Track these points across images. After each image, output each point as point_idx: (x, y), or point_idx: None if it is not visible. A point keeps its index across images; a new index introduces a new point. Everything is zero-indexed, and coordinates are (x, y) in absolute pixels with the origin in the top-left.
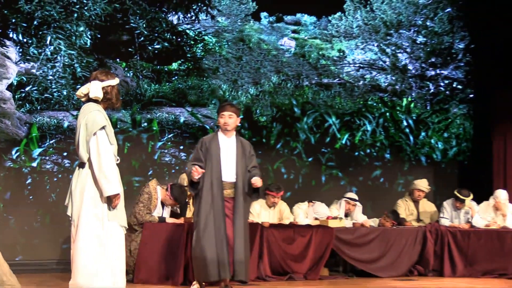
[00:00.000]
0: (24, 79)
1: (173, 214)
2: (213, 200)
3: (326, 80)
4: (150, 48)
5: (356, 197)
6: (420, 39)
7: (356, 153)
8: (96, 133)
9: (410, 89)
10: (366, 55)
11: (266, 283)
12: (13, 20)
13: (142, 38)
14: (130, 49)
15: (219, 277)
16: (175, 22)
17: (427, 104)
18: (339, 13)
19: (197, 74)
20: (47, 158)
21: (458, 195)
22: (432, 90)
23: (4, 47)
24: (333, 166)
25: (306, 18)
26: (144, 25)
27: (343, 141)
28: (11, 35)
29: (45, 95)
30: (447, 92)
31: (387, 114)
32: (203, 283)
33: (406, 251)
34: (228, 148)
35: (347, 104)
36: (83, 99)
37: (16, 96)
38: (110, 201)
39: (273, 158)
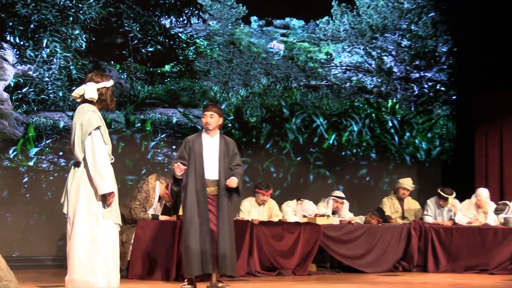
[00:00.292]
0: (21, 80)
1: (165, 211)
2: (197, 197)
3: (314, 82)
4: (143, 50)
5: (343, 195)
6: (405, 42)
7: (343, 153)
8: (91, 133)
9: (395, 91)
10: (353, 58)
11: (256, 279)
12: (10, 24)
13: (135, 41)
14: (124, 52)
15: (202, 271)
16: (167, 25)
17: (412, 105)
18: (326, 17)
19: (189, 76)
20: (43, 157)
21: (442, 193)
22: (416, 92)
23: (2, 50)
24: (321, 165)
25: (295, 22)
26: (138, 29)
27: (331, 141)
28: (8, 38)
29: (42, 96)
30: (431, 94)
31: (373, 115)
32: (193, 278)
33: (391, 248)
34: (211, 147)
35: (334, 105)
36: (78, 100)
37: (13, 97)
38: (104, 199)
39: (263, 157)
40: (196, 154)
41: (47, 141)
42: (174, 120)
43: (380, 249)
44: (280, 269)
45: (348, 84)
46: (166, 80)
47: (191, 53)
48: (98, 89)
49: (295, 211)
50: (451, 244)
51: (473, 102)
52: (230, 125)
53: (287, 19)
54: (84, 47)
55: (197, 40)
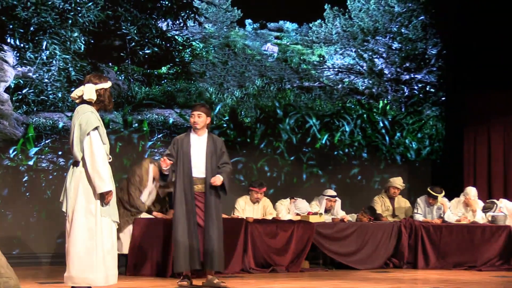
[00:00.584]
0: (21, 82)
1: (161, 206)
2: (185, 195)
3: (307, 83)
4: (140, 53)
5: (334, 193)
6: (396, 45)
7: (335, 153)
8: (90, 133)
9: (386, 92)
10: (345, 60)
11: (250, 275)
12: (11, 26)
13: (133, 44)
14: (121, 54)
15: (189, 267)
16: (164, 28)
17: (402, 106)
18: (319, 21)
19: (185, 78)
20: (43, 157)
21: (431, 192)
22: (406, 93)
23: (2, 52)
24: (314, 165)
25: (288, 25)
26: (135, 31)
27: (323, 141)
28: (8, 40)
29: (41, 97)
30: (421, 95)
31: (364, 115)
32: (188, 275)
33: (382, 245)
34: (198, 146)
35: (326, 106)
36: (77, 101)
37: (13, 98)
38: (103, 197)
39: (257, 157)
40: (184, 153)
41: (47, 141)
42: (171, 120)
43: (372, 246)
44: (274, 266)
45: (340, 85)
46: (163, 82)
47: (187, 55)
48: (96, 90)
49: (289, 209)
50: (440, 242)
51: (462, 103)
52: (225, 125)
53: (281, 22)
54: (82, 49)
55: (193, 43)
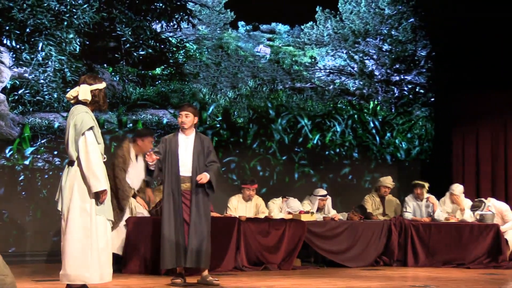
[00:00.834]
0: (17, 82)
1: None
2: (173, 193)
3: (298, 84)
4: (135, 54)
5: (325, 192)
6: (386, 47)
7: (327, 152)
8: (85, 133)
9: (376, 93)
10: (336, 61)
11: (243, 273)
12: (7, 28)
13: (127, 45)
14: (116, 55)
15: (176, 264)
16: (158, 30)
17: (392, 107)
18: (311, 23)
19: (179, 79)
20: (39, 156)
21: (417, 181)
22: (396, 94)
23: None
24: (305, 164)
25: (280, 27)
26: (130, 33)
27: (315, 141)
28: (5, 42)
29: (37, 97)
30: (411, 96)
31: (355, 116)
32: (182, 272)
33: (373, 243)
34: (186, 145)
35: (318, 107)
36: (72, 101)
37: (9, 99)
38: (97, 196)
39: (250, 156)
40: (172, 152)
41: (42, 141)
42: (165, 120)
43: (362, 244)
44: (266, 263)
45: (331, 86)
46: (157, 83)
47: (181, 57)
48: (91, 91)
49: (281, 208)
50: (430, 240)
51: (451, 104)
52: (218, 125)
53: (273, 24)
54: (78, 50)
55: (187, 44)
